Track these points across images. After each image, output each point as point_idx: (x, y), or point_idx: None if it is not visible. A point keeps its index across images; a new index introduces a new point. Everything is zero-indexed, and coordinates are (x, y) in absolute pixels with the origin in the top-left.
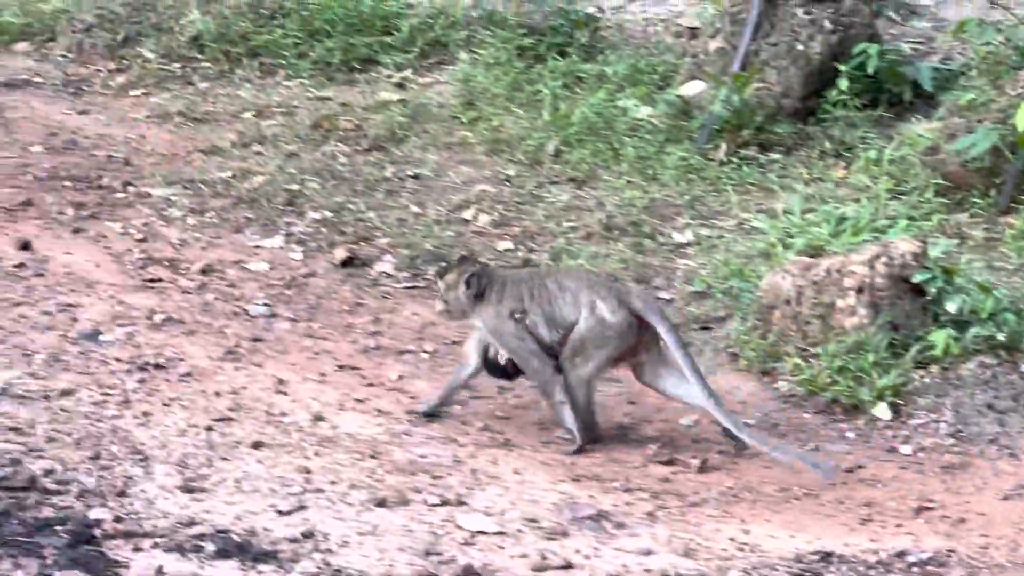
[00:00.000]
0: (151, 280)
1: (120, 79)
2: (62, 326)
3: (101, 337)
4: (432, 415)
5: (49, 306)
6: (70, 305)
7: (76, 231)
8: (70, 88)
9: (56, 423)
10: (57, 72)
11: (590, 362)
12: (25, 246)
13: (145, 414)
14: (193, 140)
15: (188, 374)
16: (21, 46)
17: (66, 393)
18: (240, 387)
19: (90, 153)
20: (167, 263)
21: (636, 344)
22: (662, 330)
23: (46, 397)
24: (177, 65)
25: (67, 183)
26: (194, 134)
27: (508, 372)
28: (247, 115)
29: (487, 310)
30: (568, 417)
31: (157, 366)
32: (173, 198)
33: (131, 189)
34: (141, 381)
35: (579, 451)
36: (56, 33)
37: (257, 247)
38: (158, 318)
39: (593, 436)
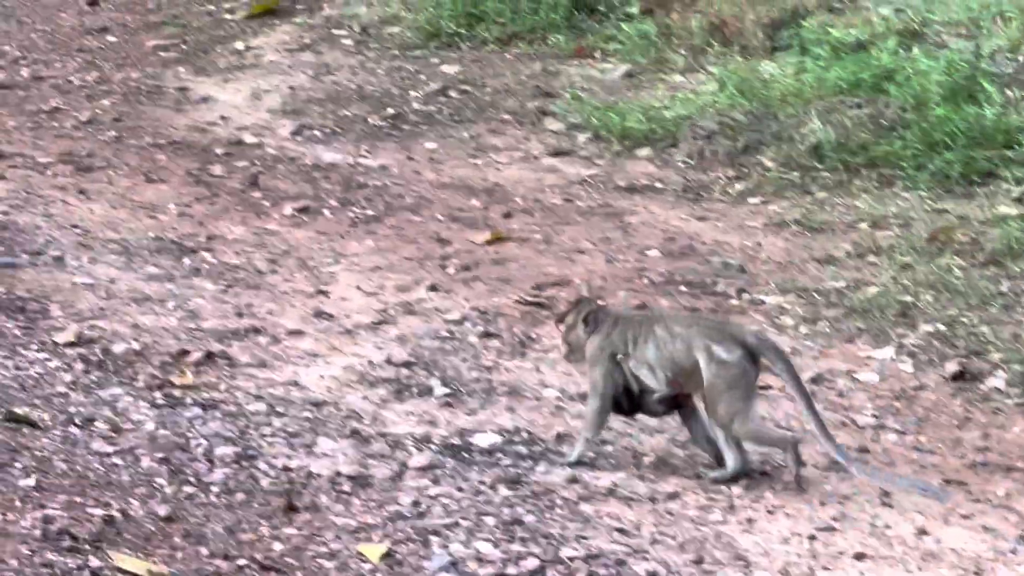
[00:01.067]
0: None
1: (739, 187)
2: None
3: None
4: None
5: None
6: None
7: None
8: (689, 194)
9: (661, 525)
10: (677, 178)
11: (734, 403)
12: None
13: (749, 520)
14: (808, 249)
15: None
16: (643, 151)
17: (672, 496)
18: (844, 496)
19: (706, 259)
20: None
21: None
22: (779, 365)
23: (652, 500)
24: (795, 174)
25: (682, 288)
26: (809, 243)
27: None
28: (863, 225)
29: (593, 342)
30: None
31: (762, 473)
32: (786, 306)
33: (745, 296)
34: (746, 487)
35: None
36: (677, 139)
37: (868, 357)
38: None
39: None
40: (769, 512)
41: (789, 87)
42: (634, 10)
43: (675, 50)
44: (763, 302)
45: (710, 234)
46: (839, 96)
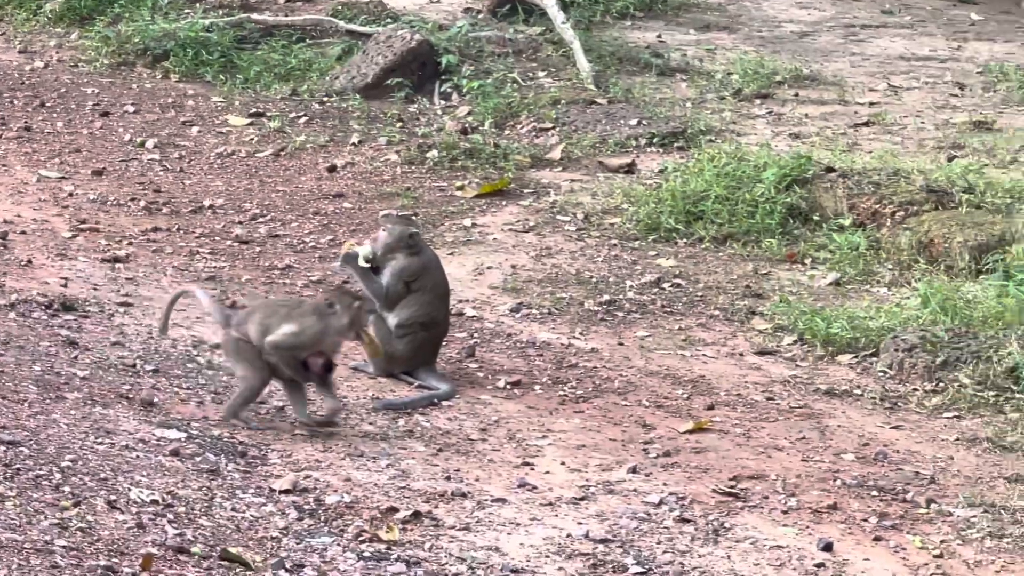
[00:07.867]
0: None
1: (935, 400)
2: None
3: None
4: None
5: None
6: None
7: (876, 539)
8: (886, 403)
9: None
10: (876, 386)
11: None
12: (827, 547)
13: None
14: (998, 467)
15: None
16: (845, 358)
17: None
18: None
19: (898, 467)
20: None
21: None
22: None
23: None
24: (991, 393)
25: (873, 492)
26: (1000, 461)
27: None
28: None
29: None
30: None
31: None
32: (973, 520)
33: (933, 506)
34: None
35: None
36: (879, 349)
37: None
38: None
39: None
40: None
41: (991, 309)
42: (846, 222)
43: (883, 264)
44: (951, 514)
45: (903, 443)
46: None
